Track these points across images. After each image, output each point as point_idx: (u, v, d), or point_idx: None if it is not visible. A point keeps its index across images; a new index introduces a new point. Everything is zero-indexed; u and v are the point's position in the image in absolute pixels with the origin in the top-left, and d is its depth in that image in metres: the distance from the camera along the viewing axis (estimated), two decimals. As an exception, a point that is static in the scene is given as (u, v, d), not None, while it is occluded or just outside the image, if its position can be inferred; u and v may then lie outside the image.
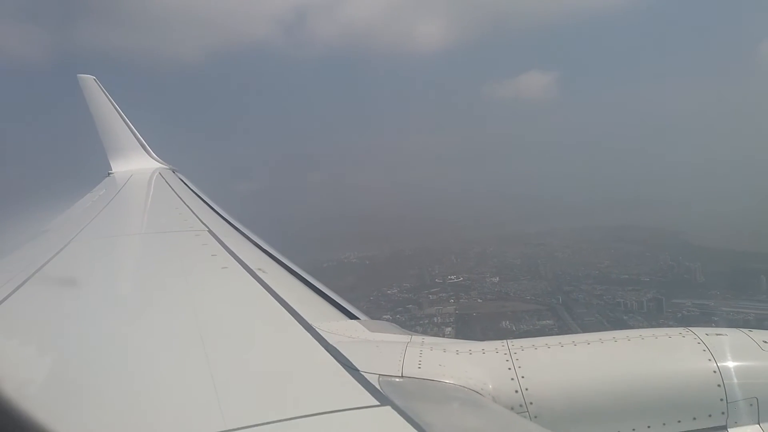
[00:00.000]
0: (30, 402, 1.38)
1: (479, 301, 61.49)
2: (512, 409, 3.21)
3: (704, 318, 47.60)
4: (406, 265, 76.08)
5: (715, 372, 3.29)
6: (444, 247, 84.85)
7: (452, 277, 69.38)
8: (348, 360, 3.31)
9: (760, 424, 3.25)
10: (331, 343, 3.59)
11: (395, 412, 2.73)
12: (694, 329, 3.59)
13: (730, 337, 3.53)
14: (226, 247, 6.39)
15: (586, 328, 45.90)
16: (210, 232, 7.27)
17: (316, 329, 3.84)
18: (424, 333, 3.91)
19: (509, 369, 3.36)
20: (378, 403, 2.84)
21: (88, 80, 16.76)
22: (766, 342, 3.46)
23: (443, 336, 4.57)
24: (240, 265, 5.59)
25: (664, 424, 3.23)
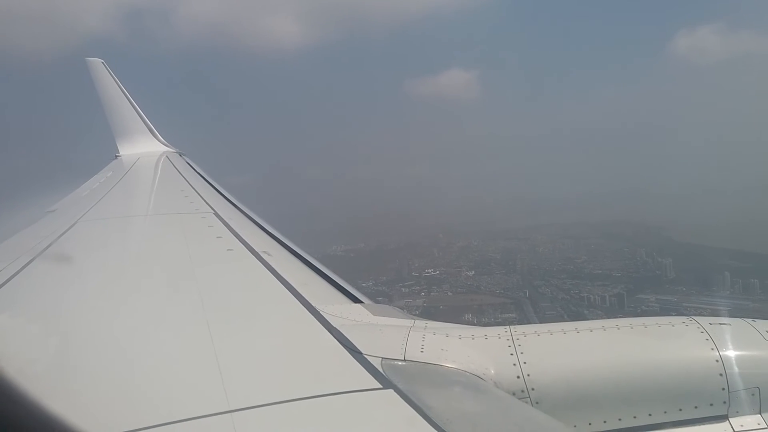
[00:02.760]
0: (33, 381, 1.39)
1: (449, 294, 62.44)
2: (514, 394, 3.22)
3: (663, 314, 46.95)
4: (387, 259, 76.57)
5: (717, 361, 3.29)
6: (430, 242, 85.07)
7: (429, 270, 70.06)
8: (351, 343, 3.33)
9: (762, 414, 3.25)
10: (334, 326, 3.61)
11: (397, 395, 2.75)
12: (697, 318, 3.59)
13: (733, 326, 3.52)
14: (232, 229, 6.40)
15: (544, 322, 46.02)
16: (216, 214, 7.29)
17: (320, 312, 3.86)
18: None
19: (511, 355, 3.37)
20: (380, 386, 2.86)
21: (96, 63, 16.72)
22: None
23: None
24: (245, 248, 5.60)
25: (665, 412, 3.24)
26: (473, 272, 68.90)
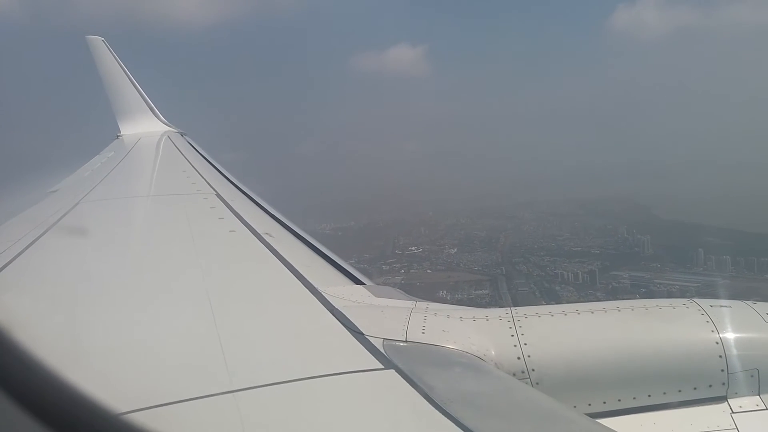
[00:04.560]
0: (41, 354, 1.41)
1: (428, 271, 62.24)
2: (514, 375, 3.25)
3: (633, 290, 48.46)
4: (374, 237, 76.40)
5: (717, 343, 3.31)
6: (420, 220, 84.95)
7: (413, 248, 70.00)
8: (353, 324, 3.35)
9: (760, 395, 3.27)
10: (336, 307, 3.63)
11: (399, 376, 2.77)
12: (698, 300, 3.60)
13: (733, 309, 3.54)
14: (234, 210, 6.40)
15: (517, 298, 47.43)
16: (218, 195, 7.29)
17: (322, 293, 3.87)
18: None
19: (512, 336, 3.38)
20: (382, 367, 2.88)
21: (97, 41, 16.55)
22: None
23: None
24: (247, 229, 5.61)
25: (664, 393, 3.27)
26: (455, 250, 68.89)
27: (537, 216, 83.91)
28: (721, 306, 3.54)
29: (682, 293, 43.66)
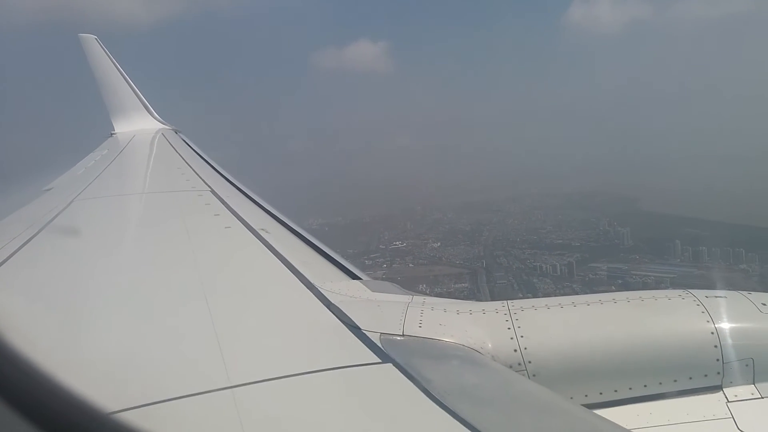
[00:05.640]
0: (34, 357, 1.40)
1: (410, 265, 62.24)
2: (511, 367, 3.25)
3: (610, 281, 49.19)
4: (360, 232, 76.28)
5: (712, 333, 3.33)
6: (407, 215, 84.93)
7: (397, 243, 69.99)
8: (350, 319, 3.35)
9: (755, 384, 3.30)
10: (333, 302, 3.63)
11: (396, 369, 2.78)
12: (693, 291, 3.61)
13: (729, 299, 3.55)
14: (229, 207, 6.39)
15: (495, 291, 48.01)
16: (213, 192, 7.28)
17: (319, 289, 3.87)
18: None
19: (509, 329, 3.39)
20: (379, 361, 2.88)
21: (90, 39, 16.48)
22: (765, 304, 3.48)
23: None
24: (243, 225, 5.60)
25: (660, 383, 3.28)
26: (439, 244, 68.94)
27: (522, 210, 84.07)
28: (717, 296, 3.56)
29: (657, 284, 44.20)
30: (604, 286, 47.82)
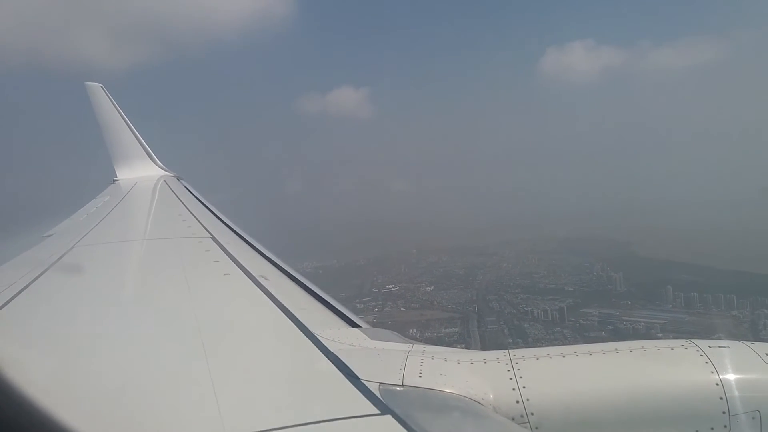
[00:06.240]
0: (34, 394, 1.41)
1: (402, 309, 62.43)
2: (513, 419, 3.19)
3: (600, 327, 49.46)
4: (353, 275, 76.72)
5: (717, 384, 3.28)
6: (401, 258, 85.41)
7: (390, 286, 70.17)
8: (349, 368, 3.30)
9: None
10: (332, 350, 3.58)
11: (396, 421, 2.72)
12: (696, 341, 3.58)
13: (732, 349, 3.52)
14: (229, 253, 6.40)
15: (485, 336, 48.06)
16: (213, 238, 7.29)
17: (317, 336, 3.83)
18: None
19: (510, 379, 3.35)
20: (378, 412, 2.83)
21: (95, 88, 16.86)
22: None
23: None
24: (242, 272, 5.59)
25: None
26: (432, 288, 69.13)
27: (517, 253, 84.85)
28: (720, 347, 3.52)
29: (647, 330, 44.83)
30: (595, 331, 48.19)
